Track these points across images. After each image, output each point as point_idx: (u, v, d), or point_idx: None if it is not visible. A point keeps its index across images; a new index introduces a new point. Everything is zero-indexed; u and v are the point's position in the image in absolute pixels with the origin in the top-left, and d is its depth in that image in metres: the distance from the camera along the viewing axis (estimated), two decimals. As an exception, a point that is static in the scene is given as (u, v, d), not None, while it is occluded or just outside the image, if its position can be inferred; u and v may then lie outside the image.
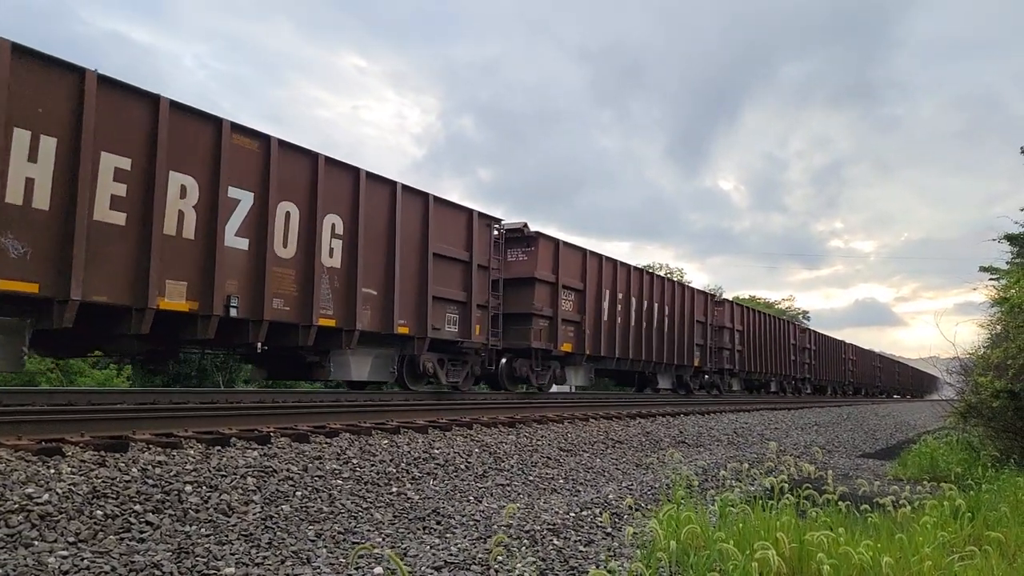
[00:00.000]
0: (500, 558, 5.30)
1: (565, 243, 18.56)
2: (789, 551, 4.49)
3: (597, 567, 5.17)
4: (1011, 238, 17.86)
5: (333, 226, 11.45)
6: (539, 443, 10.27)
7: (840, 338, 50.22)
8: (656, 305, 22.65)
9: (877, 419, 29.35)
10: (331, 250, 11.39)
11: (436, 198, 13.70)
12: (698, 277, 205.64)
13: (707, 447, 13.35)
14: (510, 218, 21.84)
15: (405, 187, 12.93)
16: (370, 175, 12.16)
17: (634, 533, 5.24)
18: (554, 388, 19.43)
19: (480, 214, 15.00)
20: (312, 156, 11.07)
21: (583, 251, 19.35)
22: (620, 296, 20.70)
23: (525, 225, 17.33)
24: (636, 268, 21.94)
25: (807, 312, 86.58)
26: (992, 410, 12.21)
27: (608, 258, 20.35)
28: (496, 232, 15.86)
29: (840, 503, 5.91)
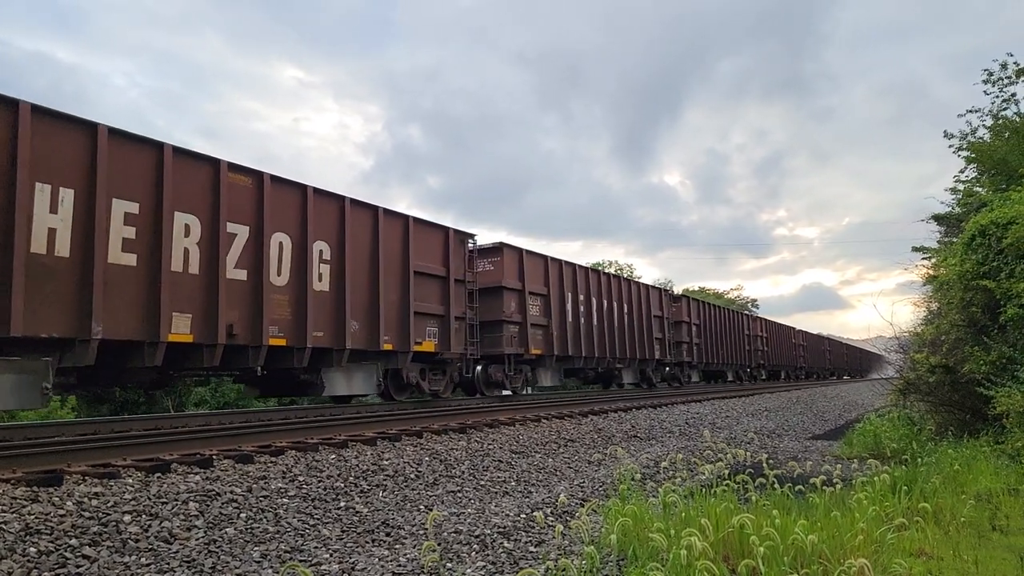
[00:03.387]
0: (449, 565, 5.31)
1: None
2: (727, 535, 4.59)
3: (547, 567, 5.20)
4: (938, 218, 18.51)
5: None
6: (490, 447, 10.28)
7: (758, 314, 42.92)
8: (321, 245, 12.77)
9: (826, 401, 30.07)
10: None
11: None
12: (648, 272, 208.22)
13: (659, 439, 13.51)
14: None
15: None
16: None
17: (582, 529, 5.28)
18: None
19: None
20: None
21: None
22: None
23: None
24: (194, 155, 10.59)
25: (755, 300, 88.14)
26: (929, 385, 12.64)
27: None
28: None
29: (781, 485, 6.05)
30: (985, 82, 17.78)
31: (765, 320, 44.01)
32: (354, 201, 13.55)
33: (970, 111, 18.45)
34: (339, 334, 12.80)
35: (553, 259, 20.74)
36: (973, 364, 10.61)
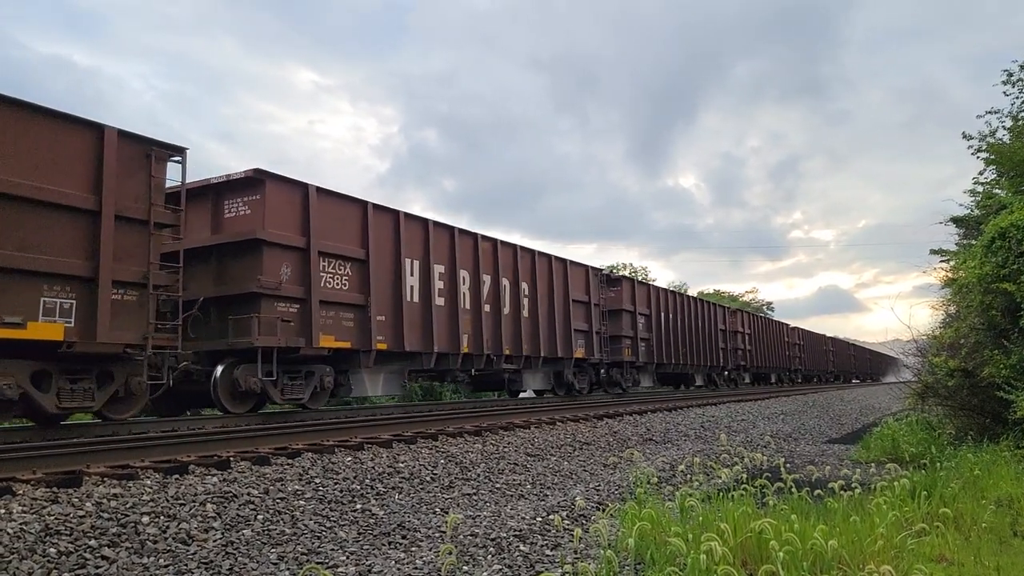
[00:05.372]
0: (465, 568, 5.30)
1: None
2: (745, 540, 4.56)
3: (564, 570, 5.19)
4: (957, 220, 18.29)
5: None
6: (506, 450, 10.27)
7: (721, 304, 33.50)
8: None
9: (842, 404, 29.89)
10: None
11: None
12: (664, 274, 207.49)
13: (675, 443, 13.46)
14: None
15: None
16: None
17: (599, 532, 5.27)
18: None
19: None
20: None
21: None
22: None
23: None
24: None
25: (771, 303, 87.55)
26: (948, 389, 12.52)
27: None
28: None
29: (799, 490, 6.00)
30: (1005, 83, 17.58)
31: (748, 314, 37.88)
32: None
33: (989, 112, 18.23)
34: None
35: (380, 207, 13.68)
36: (993, 368, 10.50)
